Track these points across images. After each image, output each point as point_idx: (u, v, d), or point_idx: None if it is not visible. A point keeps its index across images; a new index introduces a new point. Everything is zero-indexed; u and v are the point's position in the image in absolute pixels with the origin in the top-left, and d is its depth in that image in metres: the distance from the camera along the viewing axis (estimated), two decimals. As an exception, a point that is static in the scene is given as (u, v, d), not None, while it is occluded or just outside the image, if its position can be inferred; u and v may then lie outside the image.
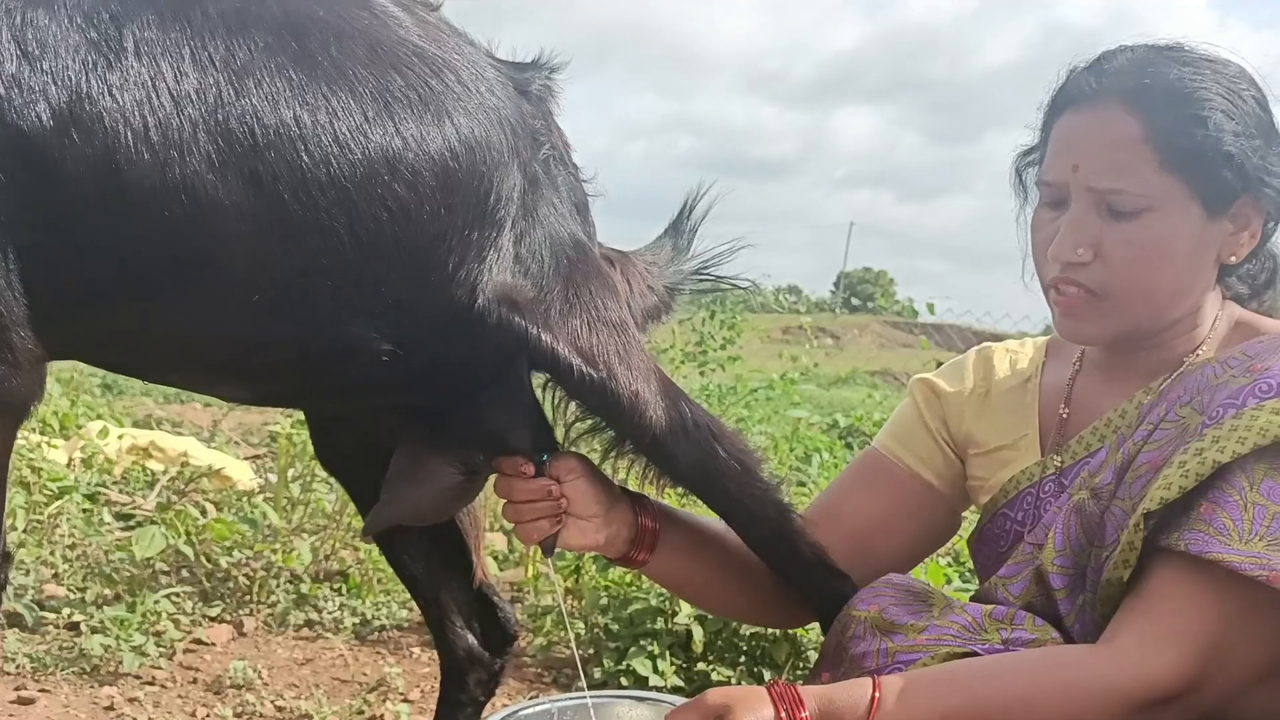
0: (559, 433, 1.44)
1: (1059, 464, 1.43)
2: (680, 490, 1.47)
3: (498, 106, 1.26)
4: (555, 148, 1.37)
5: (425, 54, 1.20)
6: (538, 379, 1.44)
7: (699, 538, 1.50)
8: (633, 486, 1.46)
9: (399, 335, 1.22)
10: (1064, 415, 1.46)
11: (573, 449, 1.44)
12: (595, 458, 1.44)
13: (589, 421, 1.41)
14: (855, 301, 24.97)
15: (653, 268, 1.57)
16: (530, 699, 1.38)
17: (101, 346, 1.19)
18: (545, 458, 1.38)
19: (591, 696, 1.35)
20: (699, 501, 1.45)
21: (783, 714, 1.15)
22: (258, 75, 1.09)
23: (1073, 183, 1.29)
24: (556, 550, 1.41)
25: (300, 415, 3.56)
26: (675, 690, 2.62)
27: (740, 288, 1.68)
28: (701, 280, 1.63)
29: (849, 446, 6.19)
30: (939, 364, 1.74)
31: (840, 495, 1.58)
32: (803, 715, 1.15)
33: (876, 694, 1.16)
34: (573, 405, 1.41)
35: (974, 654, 1.24)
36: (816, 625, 2.78)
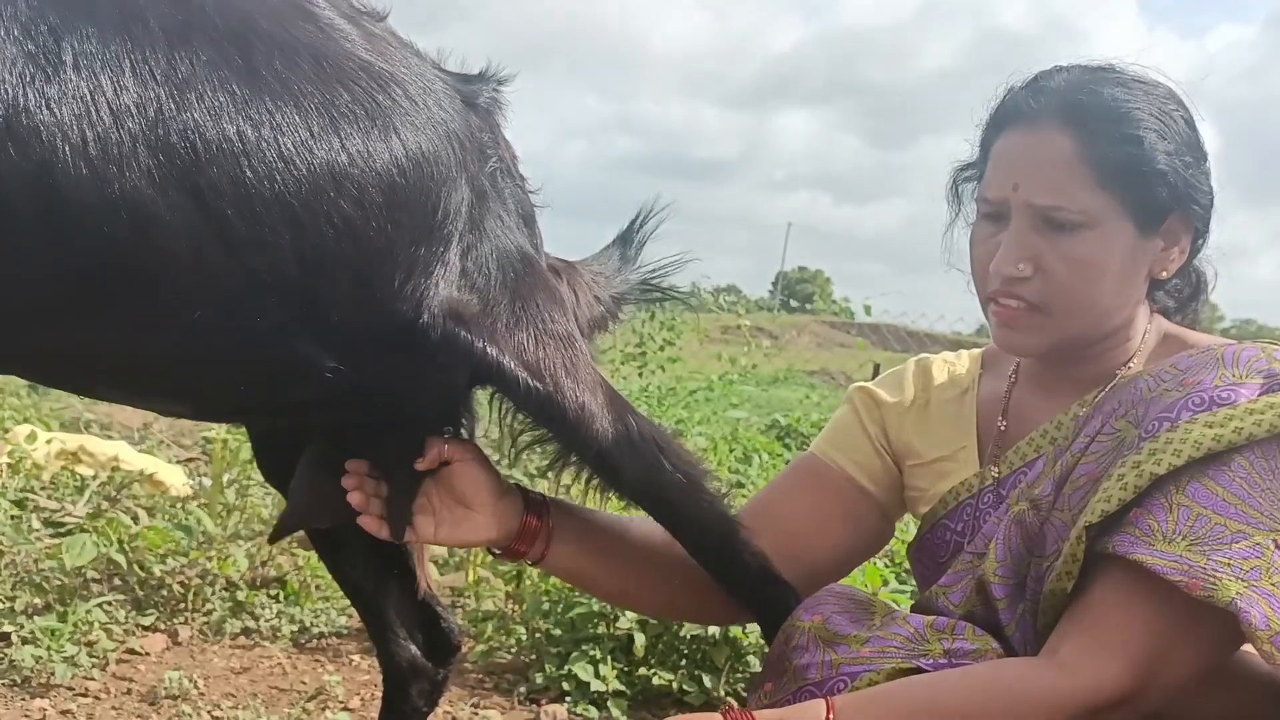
0: (505, 444, 1.44)
1: (997, 475, 1.46)
2: (625, 502, 1.48)
3: (445, 120, 1.25)
4: (502, 160, 1.37)
5: (372, 68, 1.19)
6: (485, 391, 1.44)
7: (598, 532, 1.50)
8: (577, 497, 1.46)
9: (343, 352, 1.21)
10: (1001, 427, 1.49)
11: (518, 460, 1.45)
12: (541, 468, 1.45)
13: (535, 433, 1.41)
14: (794, 303, 25.18)
15: (599, 278, 1.57)
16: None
17: (38, 362, 1.17)
18: (447, 431, 1.40)
19: None
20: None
21: None
22: (200, 89, 1.07)
23: (1013, 200, 1.32)
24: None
25: (229, 429, 3.51)
26: (617, 695, 2.63)
27: (685, 303, 1.69)
28: (648, 291, 1.64)
29: (787, 447, 6.25)
30: (876, 365, 1.77)
31: (776, 497, 1.59)
32: None
33: (830, 715, 1.17)
34: (519, 416, 1.41)
35: (919, 669, 1.25)
36: (757, 629, 2.83)
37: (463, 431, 1.47)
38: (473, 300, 1.27)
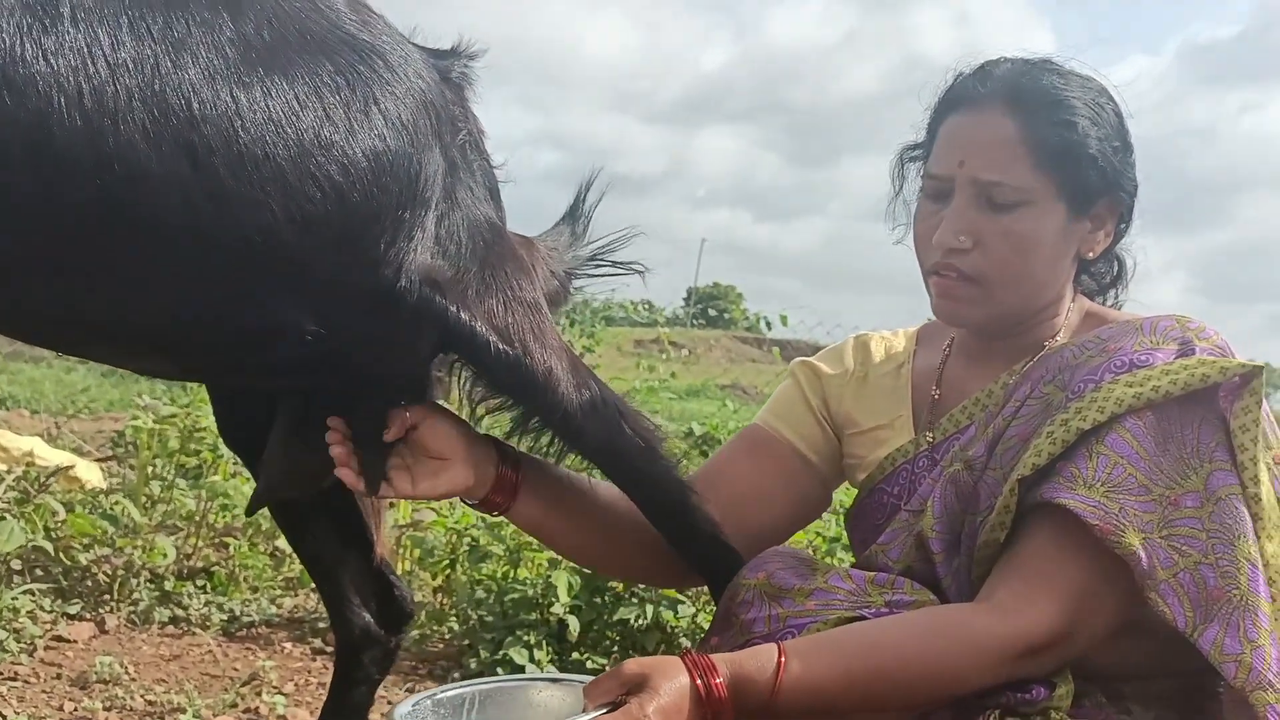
0: (465, 412, 1.48)
1: (931, 440, 1.54)
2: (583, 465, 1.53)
3: (423, 90, 1.30)
4: (471, 134, 1.41)
5: (355, 40, 1.23)
6: (447, 359, 1.48)
7: (563, 487, 1.54)
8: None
9: (324, 313, 1.24)
10: (935, 396, 1.57)
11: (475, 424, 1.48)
12: (500, 433, 1.49)
13: (498, 399, 1.45)
14: (711, 313, 25.37)
15: (553, 253, 1.63)
16: (428, 688, 1.39)
17: (24, 315, 1.17)
18: (403, 402, 1.42)
19: (508, 680, 1.38)
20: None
21: (698, 681, 1.19)
22: (194, 50, 1.09)
23: (958, 176, 1.41)
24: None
25: (157, 415, 3.48)
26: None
27: (636, 271, 1.74)
28: (598, 266, 1.70)
29: (704, 454, 6.33)
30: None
31: (721, 465, 1.65)
32: (716, 680, 1.19)
33: (782, 658, 1.22)
34: (480, 385, 1.45)
35: (861, 618, 1.31)
36: (686, 615, 2.90)
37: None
38: (445, 267, 1.31)
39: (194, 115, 1.08)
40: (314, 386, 1.44)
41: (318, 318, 1.23)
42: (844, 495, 1.80)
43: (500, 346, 1.33)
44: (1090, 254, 1.47)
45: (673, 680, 1.18)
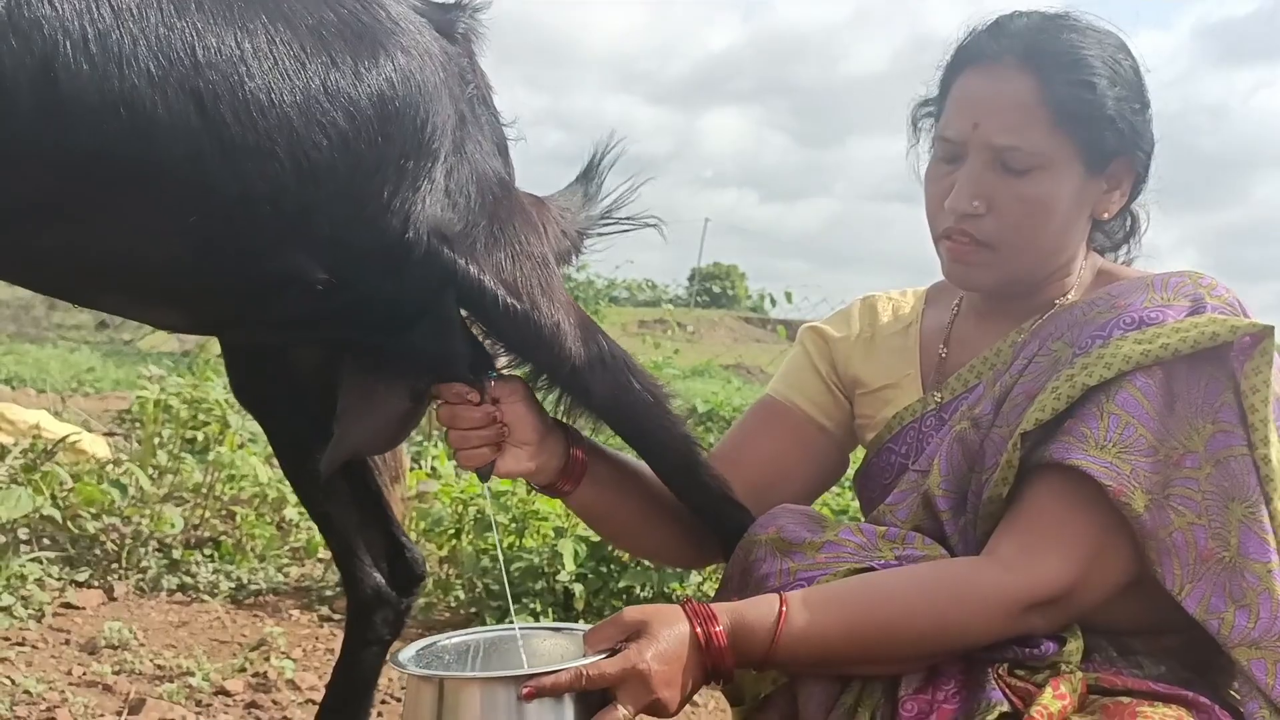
0: None
1: (939, 399, 1.52)
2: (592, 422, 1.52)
3: (429, 43, 1.29)
4: (479, 88, 1.41)
5: None
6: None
7: (623, 474, 1.54)
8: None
9: (333, 264, 1.23)
10: (943, 355, 1.56)
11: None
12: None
13: (507, 356, 1.45)
14: (715, 291, 25.33)
15: (565, 213, 1.62)
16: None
17: (33, 264, 1.17)
18: (492, 375, 1.40)
19: (512, 629, 1.37)
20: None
21: (697, 629, 1.20)
22: None
23: (971, 139, 1.37)
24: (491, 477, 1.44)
25: (162, 389, 3.48)
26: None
27: (649, 225, 1.73)
28: (609, 223, 1.69)
29: (708, 430, 6.34)
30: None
31: (739, 442, 1.64)
32: (716, 629, 1.20)
33: (783, 608, 1.23)
34: (488, 342, 1.44)
35: (871, 569, 1.31)
36: (691, 585, 2.91)
37: (506, 371, 1.48)
38: (454, 219, 1.30)
39: (199, 61, 1.08)
40: (329, 342, 1.44)
41: (326, 267, 1.23)
42: (854, 456, 1.81)
43: (508, 300, 1.33)
44: (1105, 214, 1.44)
45: (672, 627, 1.19)
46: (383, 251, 1.25)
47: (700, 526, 1.55)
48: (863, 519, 1.64)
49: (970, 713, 1.18)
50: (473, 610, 2.93)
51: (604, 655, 1.17)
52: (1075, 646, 1.25)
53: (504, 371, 1.45)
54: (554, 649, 1.34)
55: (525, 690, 1.12)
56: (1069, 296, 1.48)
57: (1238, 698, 1.30)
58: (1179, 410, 1.27)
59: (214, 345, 4.20)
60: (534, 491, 1.54)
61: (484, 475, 1.42)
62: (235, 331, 1.46)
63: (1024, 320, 1.48)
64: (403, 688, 2.45)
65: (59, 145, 1.05)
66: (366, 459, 1.67)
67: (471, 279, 1.31)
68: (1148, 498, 1.22)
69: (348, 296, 1.27)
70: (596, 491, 1.51)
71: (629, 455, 1.59)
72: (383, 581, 1.71)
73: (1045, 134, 1.35)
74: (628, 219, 1.70)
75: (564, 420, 1.48)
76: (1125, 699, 1.20)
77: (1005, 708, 1.17)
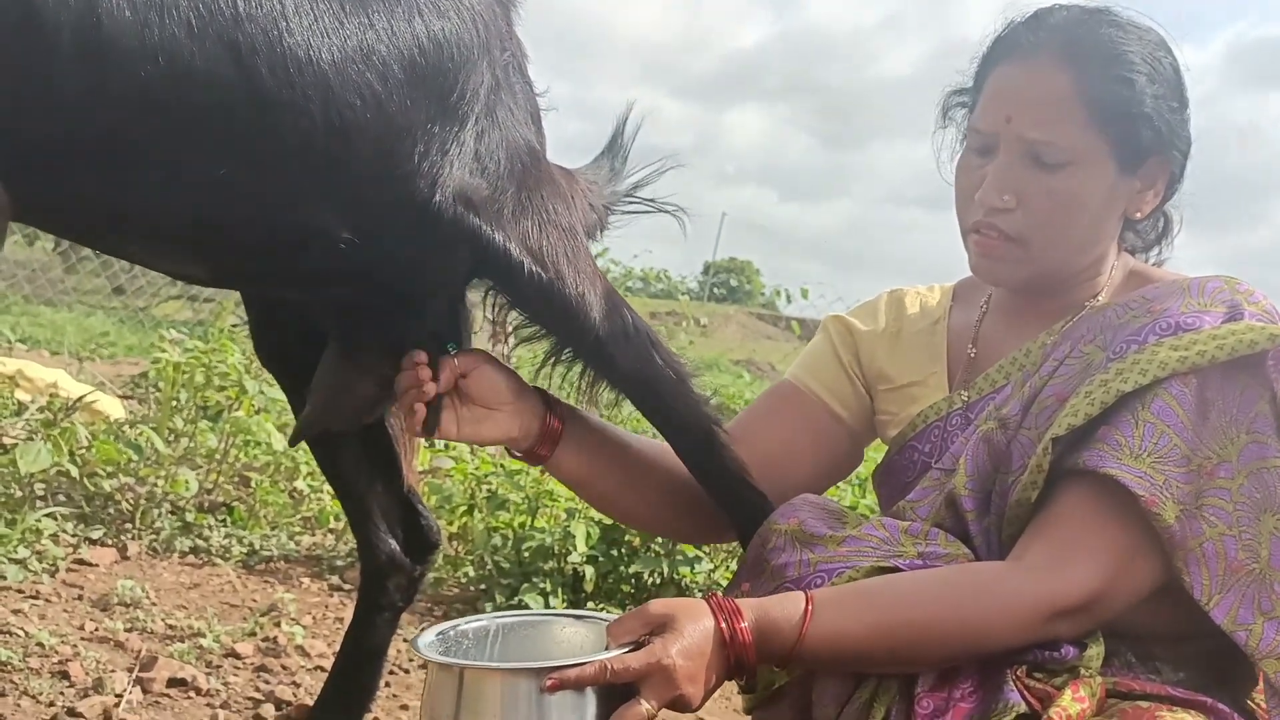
0: (498, 342, 1.48)
1: (966, 399, 1.50)
2: (614, 397, 1.52)
3: (472, 4, 1.29)
4: (515, 56, 1.40)
5: None
6: (479, 287, 1.48)
7: (606, 441, 1.53)
8: (568, 393, 1.50)
9: (358, 224, 1.23)
10: (971, 354, 1.53)
11: (509, 356, 1.49)
12: (536, 363, 1.48)
13: (531, 329, 1.45)
14: (732, 285, 25.28)
15: (593, 186, 1.62)
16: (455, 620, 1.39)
17: (63, 209, 1.17)
18: (452, 348, 1.41)
19: (532, 615, 1.36)
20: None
21: (722, 624, 1.18)
22: None
23: (1004, 132, 1.36)
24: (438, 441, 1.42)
25: (180, 352, 3.50)
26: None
27: (667, 211, 1.74)
28: (634, 201, 1.69)
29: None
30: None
31: (751, 421, 1.62)
32: (741, 625, 1.18)
33: (809, 607, 1.21)
34: (514, 313, 1.44)
35: (895, 569, 1.29)
36: (703, 572, 2.91)
37: (469, 343, 1.49)
38: (482, 185, 1.30)
39: (239, 14, 1.08)
40: (350, 301, 1.44)
41: (351, 226, 1.23)
42: (874, 452, 1.79)
43: (533, 268, 1.32)
44: (1138, 214, 1.42)
45: (697, 622, 1.17)
46: (409, 213, 1.25)
47: (701, 503, 1.54)
48: (882, 512, 1.63)
49: (987, 712, 1.17)
50: (482, 587, 2.93)
51: (628, 648, 1.15)
52: (1096, 652, 1.23)
53: (519, 345, 1.46)
54: (574, 637, 1.32)
55: (548, 682, 1.10)
56: (1100, 298, 1.46)
57: (1255, 706, 1.30)
58: (1213, 419, 1.25)
59: (227, 314, 4.22)
60: (512, 455, 1.53)
61: (428, 430, 1.41)
62: (257, 285, 1.46)
63: (1054, 321, 1.46)
64: (410, 660, 2.47)
65: (95, 89, 1.05)
66: (385, 427, 1.68)
67: (497, 245, 1.30)
68: (1179, 508, 1.21)
69: (370, 256, 1.27)
70: (577, 457, 1.50)
71: (619, 428, 1.57)
72: (397, 548, 1.72)
73: (1079, 129, 1.33)
74: (650, 201, 1.70)
75: (585, 395, 1.48)
76: (1144, 703, 1.18)
77: (1023, 709, 1.16)
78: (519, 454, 1.51)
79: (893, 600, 1.24)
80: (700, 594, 2.85)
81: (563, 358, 1.46)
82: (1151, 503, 1.20)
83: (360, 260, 1.27)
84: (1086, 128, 1.34)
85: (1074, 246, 1.41)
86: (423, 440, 1.82)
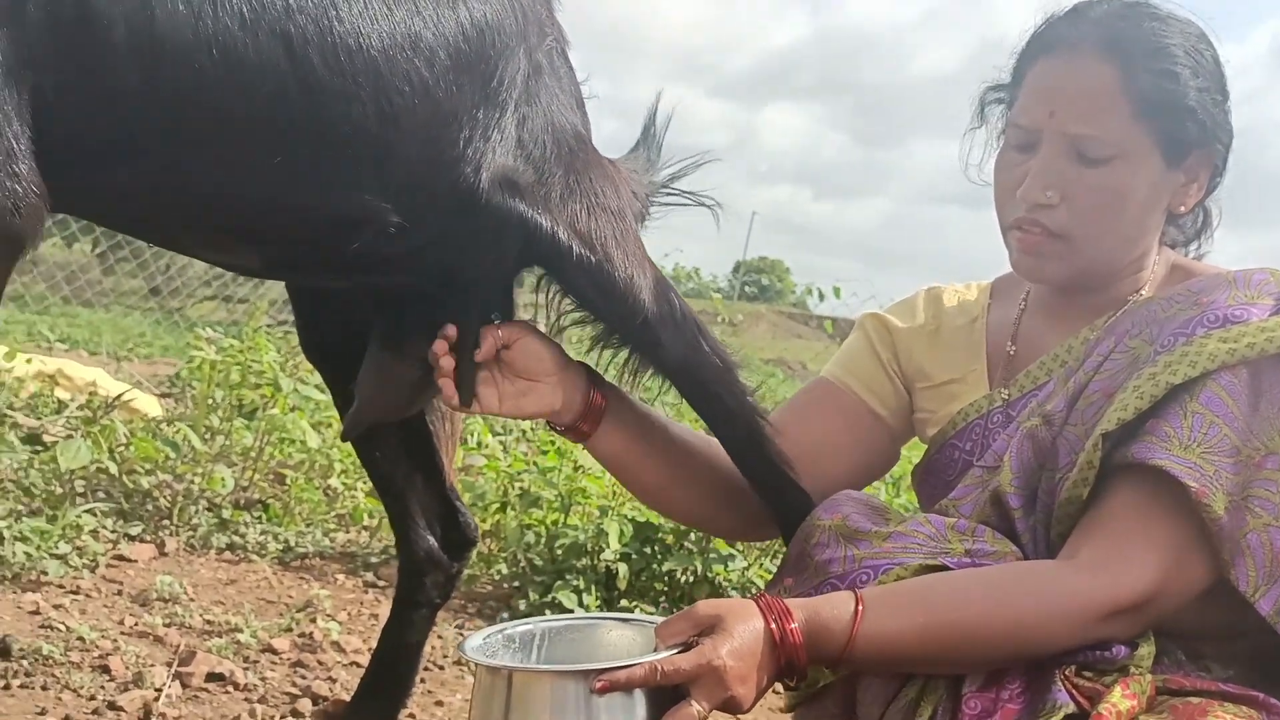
0: (549, 327, 1.47)
1: (1007, 396, 1.48)
2: (657, 386, 1.51)
3: None
4: (557, 41, 1.40)
5: None
6: (532, 275, 1.47)
7: (649, 425, 1.52)
8: (615, 376, 1.49)
9: (406, 209, 1.24)
10: (1011, 351, 1.52)
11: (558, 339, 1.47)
12: (583, 349, 1.48)
13: (580, 314, 1.44)
14: (764, 283, 25.26)
15: (634, 175, 1.62)
16: (489, 624, 1.37)
17: (116, 201, 1.18)
18: (495, 318, 1.41)
19: (578, 619, 1.36)
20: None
21: (772, 625, 1.17)
22: None
23: (1047, 127, 1.35)
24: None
25: (217, 349, 3.53)
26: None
27: (705, 205, 1.73)
28: (671, 193, 1.69)
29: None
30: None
31: (789, 420, 1.60)
32: (791, 626, 1.17)
33: (860, 606, 1.19)
34: (566, 300, 1.43)
35: (944, 567, 1.27)
36: (736, 569, 2.90)
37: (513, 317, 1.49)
38: (528, 170, 1.30)
39: (290, 5, 1.09)
40: (399, 290, 1.44)
41: (400, 211, 1.24)
42: (907, 451, 1.78)
43: (581, 251, 1.32)
44: (1182, 208, 1.41)
45: (747, 623, 1.16)
46: (455, 199, 1.26)
47: (742, 497, 1.52)
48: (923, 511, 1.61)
49: (1035, 713, 1.16)
50: (515, 585, 2.94)
51: (677, 650, 1.14)
52: (1147, 651, 1.22)
53: (568, 328, 1.46)
54: (621, 640, 1.31)
55: (598, 684, 1.09)
56: (1143, 292, 1.45)
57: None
58: (1263, 410, 1.24)
59: (260, 314, 4.25)
60: (554, 431, 1.50)
61: (467, 403, 1.40)
62: (308, 274, 1.47)
63: (1096, 316, 1.45)
64: (445, 656, 2.48)
65: (149, 82, 1.07)
66: (426, 424, 1.68)
67: (544, 229, 1.30)
68: (1228, 499, 1.19)
69: (419, 242, 1.28)
70: (619, 439, 1.49)
71: (661, 413, 1.56)
72: (435, 545, 1.73)
73: (1124, 124, 1.32)
74: (688, 193, 1.70)
75: (630, 380, 1.47)
76: (1195, 699, 1.17)
77: (1071, 709, 1.14)
78: (560, 429, 1.49)
79: (944, 601, 1.22)
80: (735, 591, 2.84)
81: (610, 342, 1.45)
82: (1202, 494, 1.19)
83: (409, 247, 1.28)
84: (1132, 122, 1.33)
85: (1118, 242, 1.39)
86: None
